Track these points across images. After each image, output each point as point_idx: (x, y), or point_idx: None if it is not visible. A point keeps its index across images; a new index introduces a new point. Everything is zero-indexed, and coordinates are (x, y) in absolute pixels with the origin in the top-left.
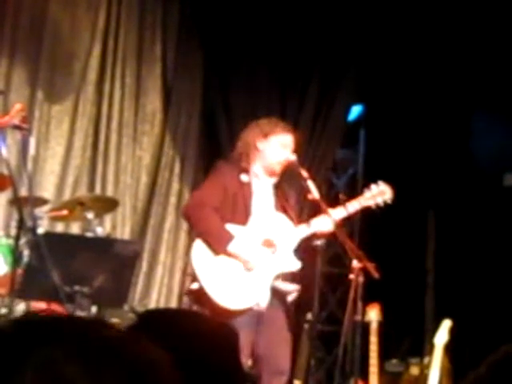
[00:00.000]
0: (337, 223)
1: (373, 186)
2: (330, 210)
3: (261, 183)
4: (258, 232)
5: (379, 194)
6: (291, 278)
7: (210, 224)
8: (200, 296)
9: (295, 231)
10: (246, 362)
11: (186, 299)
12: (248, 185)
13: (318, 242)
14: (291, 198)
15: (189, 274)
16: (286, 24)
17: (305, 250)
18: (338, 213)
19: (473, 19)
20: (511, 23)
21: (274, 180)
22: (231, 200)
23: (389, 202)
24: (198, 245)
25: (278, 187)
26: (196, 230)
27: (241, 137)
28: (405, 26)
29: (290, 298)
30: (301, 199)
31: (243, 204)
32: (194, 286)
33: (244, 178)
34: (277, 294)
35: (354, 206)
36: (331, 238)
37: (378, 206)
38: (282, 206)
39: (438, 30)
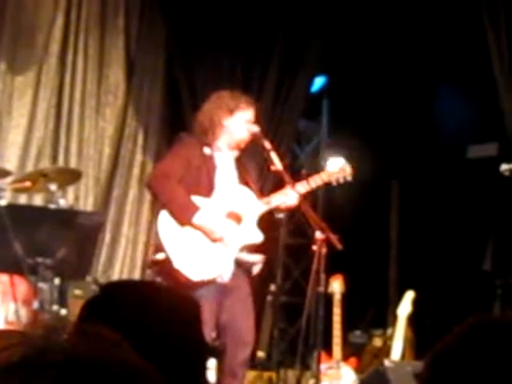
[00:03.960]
0: (300, 195)
1: (333, 162)
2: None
3: (223, 156)
4: (223, 205)
5: (340, 171)
6: (254, 249)
7: (175, 195)
8: (164, 267)
9: (258, 204)
10: (210, 334)
11: (149, 271)
12: (211, 158)
13: (281, 215)
14: (252, 170)
15: (152, 245)
16: None
17: (267, 222)
18: (301, 187)
19: None
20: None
21: (235, 153)
22: (195, 173)
23: (349, 179)
24: (164, 216)
25: (238, 160)
26: (161, 202)
27: (204, 111)
28: None
29: (256, 268)
30: (264, 171)
31: (207, 177)
32: (160, 256)
33: (207, 150)
34: (241, 266)
35: (316, 181)
36: (294, 209)
37: (338, 183)
38: (244, 179)
39: (402, 1)
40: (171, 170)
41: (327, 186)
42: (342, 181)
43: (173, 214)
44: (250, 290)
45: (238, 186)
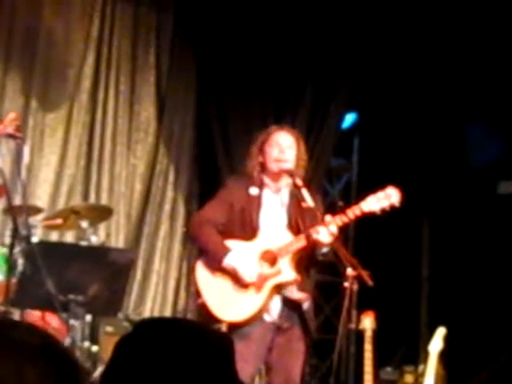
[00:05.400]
0: (331, 232)
1: (379, 192)
2: (330, 218)
3: (273, 194)
4: (261, 245)
5: (385, 197)
6: (301, 287)
7: (207, 240)
8: (205, 310)
9: (293, 242)
10: (254, 372)
11: (180, 307)
12: (257, 198)
13: (325, 250)
14: (314, 196)
15: (194, 292)
16: (279, 33)
17: (310, 259)
18: (334, 225)
19: (466, 28)
20: (504, 33)
21: (286, 186)
22: (239, 215)
23: (396, 205)
24: (200, 265)
25: (294, 194)
26: (198, 247)
27: (247, 156)
28: (398, 35)
29: (306, 306)
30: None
31: (250, 218)
32: (199, 301)
33: (253, 191)
34: (291, 305)
35: (354, 211)
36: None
37: (383, 211)
38: (300, 211)
39: (431, 39)
40: (207, 215)
41: (363, 218)
42: (388, 208)
43: (209, 257)
44: (305, 330)
45: (278, 225)
